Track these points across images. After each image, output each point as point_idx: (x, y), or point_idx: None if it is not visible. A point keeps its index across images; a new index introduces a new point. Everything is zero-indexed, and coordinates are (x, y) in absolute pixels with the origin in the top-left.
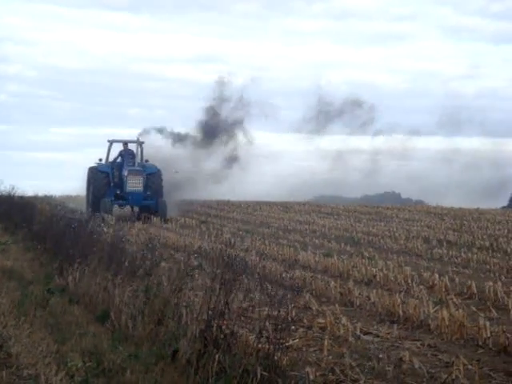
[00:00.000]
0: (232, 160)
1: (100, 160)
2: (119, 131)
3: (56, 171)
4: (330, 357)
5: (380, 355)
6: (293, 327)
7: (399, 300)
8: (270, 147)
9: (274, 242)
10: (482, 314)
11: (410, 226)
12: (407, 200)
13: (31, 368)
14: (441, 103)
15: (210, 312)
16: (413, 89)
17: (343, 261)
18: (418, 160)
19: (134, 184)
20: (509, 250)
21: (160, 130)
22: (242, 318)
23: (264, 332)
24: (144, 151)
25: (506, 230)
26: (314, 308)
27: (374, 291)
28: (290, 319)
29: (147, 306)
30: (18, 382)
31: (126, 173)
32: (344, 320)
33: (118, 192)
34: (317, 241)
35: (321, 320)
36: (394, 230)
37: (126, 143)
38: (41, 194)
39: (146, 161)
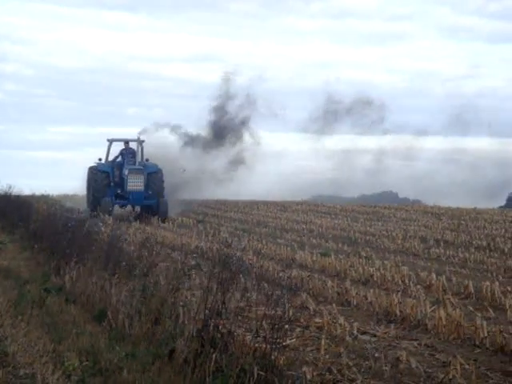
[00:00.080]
0: (238, 162)
1: (100, 159)
2: (117, 130)
3: (53, 170)
4: (327, 356)
5: (377, 355)
6: (289, 326)
7: (396, 300)
8: (275, 147)
9: (272, 242)
10: (479, 314)
11: (408, 225)
12: (404, 200)
13: (28, 367)
14: (442, 103)
15: (206, 311)
16: (411, 88)
17: (340, 260)
18: (422, 160)
19: (135, 183)
20: (506, 249)
21: (174, 128)
22: (239, 318)
23: (261, 331)
24: (151, 150)
25: (503, 230)
26: (311, 307)
27: (371, 291)
28: (286, 319)
29: (144, 306)
30: (15, 381)
31: (126, 172)
32: (341, 320)
33: (119, 191)
34: (314, 240)
35: (318, 319)
36: (392, 229)
37: (127, 142)
38: (38, 193)
39: (147, 160)
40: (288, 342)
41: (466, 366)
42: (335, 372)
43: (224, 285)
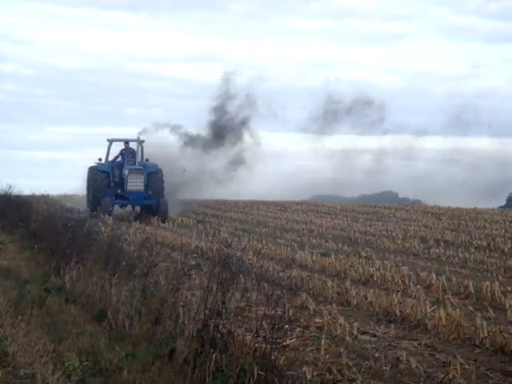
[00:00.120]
0: (238, 162)
1: (100, 160)
2: (117, 130)
3: (53, 170)
4: (327, 356)
5: (377, 355)
6: (289, 326)
7: (396, 300)
8: (275, 147)
9: (272, 242)
10: (479, 314)
11: (408, 225)
12: (404, 200)
13: (28, 367)
14: (442, 103)
15: (207, 311)
16: (411, 88)
17: (340, 260)
18: (422, 160)
19: (135, 183)
20: (506, 249)
21: (174, 128)
22: (239, 318)
23: (261, 331)
24: (151, 150)
25: (503, 230)
26: (311, 307)
27: (371, 291)
28: (286, 319)
29: (144, 306)
30: (15, 381)
31: (126, 172)
32: (341, 320)
33: (119, 191)
34: (314, 240)
35: (318, 319)
36: (392, 229)
37: (127, 142)
38: (38, 193)
39: (147, 160)
40: (288, 341)
41: (466, 366)
42: (335, 372)
43: (224, 285)
